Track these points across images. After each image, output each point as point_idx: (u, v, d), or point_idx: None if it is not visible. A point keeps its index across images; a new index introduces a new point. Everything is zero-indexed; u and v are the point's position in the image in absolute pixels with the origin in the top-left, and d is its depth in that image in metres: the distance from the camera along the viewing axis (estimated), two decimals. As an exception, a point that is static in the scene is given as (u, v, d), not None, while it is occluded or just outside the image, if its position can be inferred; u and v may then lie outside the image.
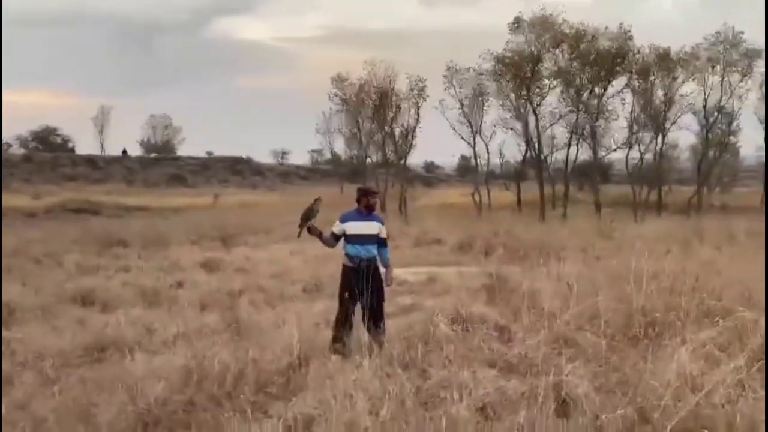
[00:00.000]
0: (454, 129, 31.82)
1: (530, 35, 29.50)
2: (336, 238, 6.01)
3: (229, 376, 4.63)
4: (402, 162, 34.52)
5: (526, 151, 32.03)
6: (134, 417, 3.86)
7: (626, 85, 29.43)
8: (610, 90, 29.51)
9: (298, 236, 6.22)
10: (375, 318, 5.83)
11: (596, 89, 29.29)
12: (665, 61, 28.75)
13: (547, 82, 30.03)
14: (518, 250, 15.51)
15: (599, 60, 28.20)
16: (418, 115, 32.99)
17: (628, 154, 31.35)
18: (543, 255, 13.82)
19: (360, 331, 5.90)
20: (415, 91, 32.23)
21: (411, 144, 33.41)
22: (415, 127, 32.96)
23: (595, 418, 3.50)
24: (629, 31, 28.47)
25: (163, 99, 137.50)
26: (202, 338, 6.50)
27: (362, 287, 5.78)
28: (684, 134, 51.42)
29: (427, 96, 32.31)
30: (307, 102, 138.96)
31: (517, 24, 29.77)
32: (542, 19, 29.18)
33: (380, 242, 6.04)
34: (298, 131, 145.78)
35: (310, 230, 5.89)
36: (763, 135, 32.40)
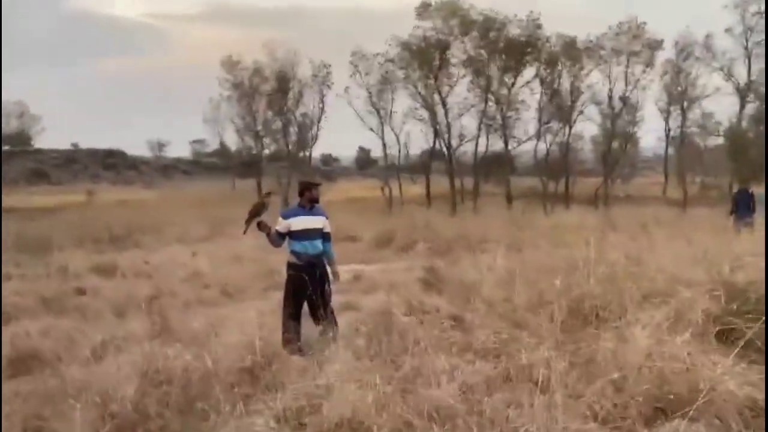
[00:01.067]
0: (361, 119, 32.41)
1: (438, 21, 30.60)
2: (281, 236, 6.25)
3: (195, 378, 4.84)
4: (308, 154, 34.71)
5: (434, 142, 33.21)
6: (112, 422, 4.00)
7: (535, 75, 31.26)
8: (520, 80, 31.26)
9: (245, 232, 6.45)
10: (324, 314, 6.18)
11: (506, 79, 30.90)
12: (572, 50, 30.83)
13: (456, 70, 31.29)
14: (439, 244, 16.36)
15: (508, 49, 29.76)
16: (323, 103, 33.29)
17: (536, 146, 33.36)
18: (465, 248, 14.77)
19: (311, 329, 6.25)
20: (319, 78, 32.49)
21: (316, 135, 33.67)
22: (320, 117, 33.23)
23: (573, 391, 4.08)
24: (538, 19, 30.29)
25: (16, 84, 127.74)
26: (133, 346, 6.61)
27: (310, 284, 6.11)
28: (589, 125, 54.98)
29: (332, 83, 32.68)
30: (188, 87, 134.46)
31: (423, 8, 30.74)
32: (450, 3, 30.30)
33: (324, 237, 6.38)
34: (177, 120, 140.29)
35: (260, 226, 6.12)
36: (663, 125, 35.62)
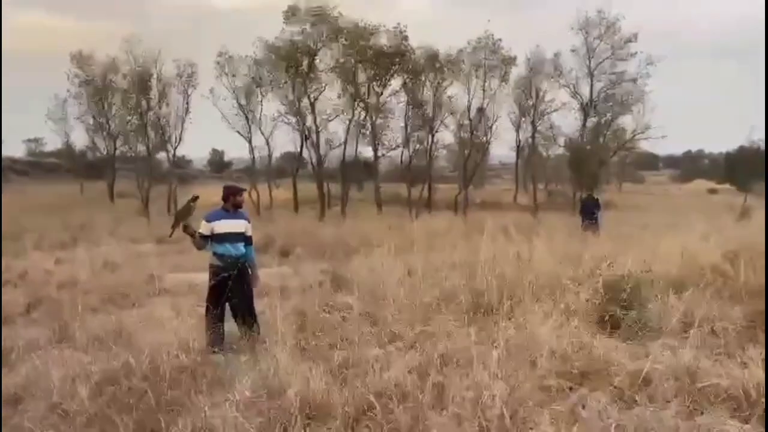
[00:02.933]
0: (228, 122, 32.05)
1: (306, 26, 30.96)
2: (205, 238, 6.49)
3: (139, 376, 5.01)
4: (171, 155, 33.70)
5: (302, 147, 33.55)
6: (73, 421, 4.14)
7: (402, 84, 32.54)
8: (388, 89, 32.42)
9: (170, 236, 6.59)
10: (246, 315, 6.50)
11: (375, 87, 31.91)
12: (434, 62, 32.49)
13: (324, 76, 31.81)
14: (318, 248, 16.79)
15: (377, 58, 30.78)
16: (188, 103, 32.53)
17: (402, 153, 34.75)
18: (346, 252, 15.35)
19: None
20: (184, 77, 31.74)
21: (180, 136, 32.79)
22: (184, 117, 32.41)
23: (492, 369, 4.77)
24: (405, 31, 31.61)
25: None
26: (37, 351, 6.51)
27: (232, 286, 6.40)
28: (446, 134, 57.83)
29: (198, 83, 32.04)
30: (20, 79, 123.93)
31: (291, 13, 30.94)
32: (318, 10, 30.75)
33: (246, 240, 6.70)
34: (9, 115, 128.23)
35: (185, 229, 6.31)
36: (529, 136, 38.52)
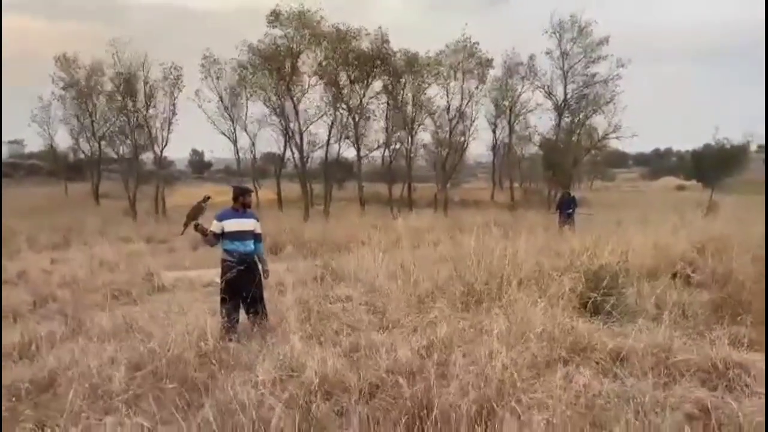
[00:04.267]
0: (213, 123, 32.18)
1: (289, 30, 31.22)
2: (216, 237, 6.87)
3: (164, 361, 5.37)
4: (161, 156, 33.73)
5: (285, 147, 33.81)
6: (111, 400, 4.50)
7: (384, 87, 32.94)
8: (370, 91, 32.79)
9: (182, 234, 6.94)
10: (257, 306, 6.88)
11: (356, 89, 32.27)
12: (414, 64, 32.95)
13: (307, 78, 32.10)
14: (307, 246, 17.18)
15: (358, 61, 31.15)
16: (174, 105, 32.60)
17: (383, 153, 35.20)
18: (334, 249, 15.73)
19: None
20: (170, 80, 31.79)
21: (167, 137, 32.86)
22: (171, 119, 32.48)
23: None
24: (386, 34, 32.03)
25: None
26: (56, 345, 6.83)
27: (242, 279, 6.78)
28: (425, 135, 58.42)
29: (184, 85, 32.14)
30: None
31: (274, 17, 31.18)
32: (300, 15, 31.03)
33: (255, 237, 7.09)
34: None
35: (197, 228, 6.67)
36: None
